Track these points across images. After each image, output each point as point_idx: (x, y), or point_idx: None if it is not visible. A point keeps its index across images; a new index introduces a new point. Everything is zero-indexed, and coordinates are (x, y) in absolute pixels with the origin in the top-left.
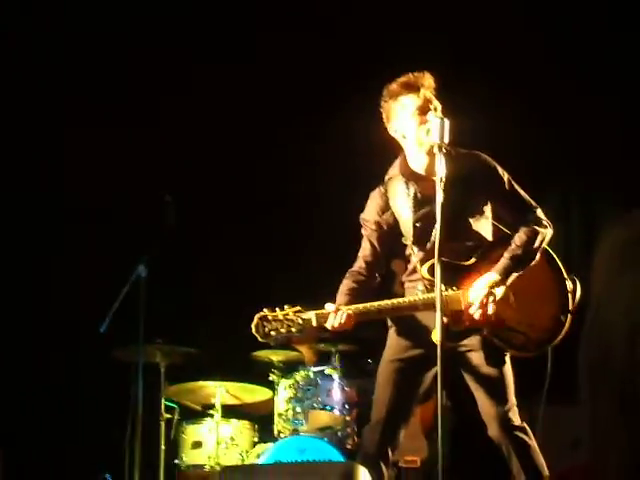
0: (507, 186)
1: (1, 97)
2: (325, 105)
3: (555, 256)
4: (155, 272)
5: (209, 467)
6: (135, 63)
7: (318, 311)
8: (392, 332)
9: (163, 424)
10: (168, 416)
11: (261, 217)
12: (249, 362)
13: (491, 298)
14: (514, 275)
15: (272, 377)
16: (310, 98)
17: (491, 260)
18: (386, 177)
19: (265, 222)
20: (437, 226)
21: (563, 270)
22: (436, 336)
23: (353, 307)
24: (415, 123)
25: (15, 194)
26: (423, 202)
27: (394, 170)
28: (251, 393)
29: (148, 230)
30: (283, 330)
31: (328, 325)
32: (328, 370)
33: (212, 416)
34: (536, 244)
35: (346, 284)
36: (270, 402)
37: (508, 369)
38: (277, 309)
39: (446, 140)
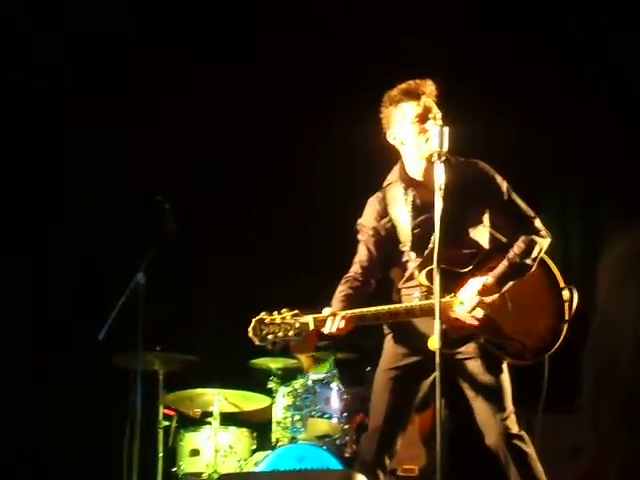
0: (506, 195)
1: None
2: (325, 109)
3: (552, 265)
4: (154, 279)
5: (207, 475)
6: (135, 64)
7: (316, 315)
8: (388, 340)
9: (161, 431)
10: (166, 423)
11: (259, 223)
12: (247, 370)
13: (480, 302)
14: (510, 283)
15: (271, 385)
16: (310, 102)
17: (488, 268)
18: (384, 183)
19: (263, 228)
20: (436, 233)
21: (560, 279)
22: (433, 343)
23: (350, 312)
24: (414, 130)
25: (13, 197)
26: (421, 209)
27: (393, 176)
28: (249, 401)
29: (147, 237)
30: (280, 334)
31: (325, 330)
32: (326, 378)
33: (210, 424)
34: (534, 253)
35: (342, 290)
36: (268, 410)
37: (505, 377)
38: (275, 313)
39: (445, 148)
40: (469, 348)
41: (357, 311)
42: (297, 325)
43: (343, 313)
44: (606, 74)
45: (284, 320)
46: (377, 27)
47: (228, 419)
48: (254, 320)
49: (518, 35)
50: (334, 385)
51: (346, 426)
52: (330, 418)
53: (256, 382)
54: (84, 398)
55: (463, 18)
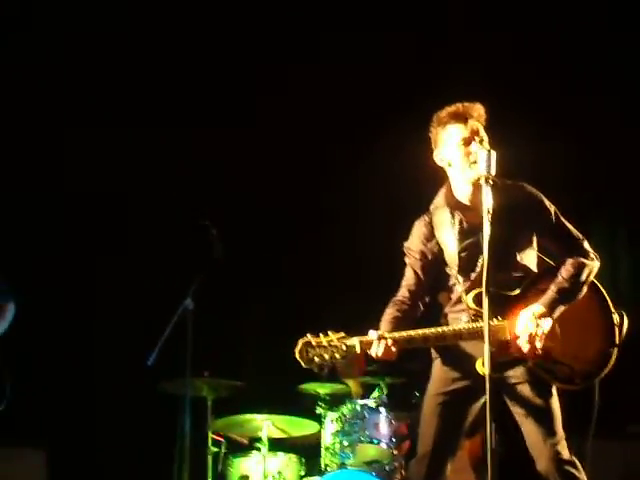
0: (554, 218)
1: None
2: (374, 131)
3: (602, 288)
4: (202, 305)
5: None
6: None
7: (362, 338)
8: (436, 364)
9: (210, 457)
10: (215, 449)
11: (307, 248)
12: (296, 395)
13: (539, 331)
14: (561, 308)
15: (319, 410)
16: (358, 124)
17: (536, 291)
18: (431, 206)
19: (311, 253)
20: (485, 257)
21: (610, 303)
22: (481, 367)
23: (397, 334)
24: (460, 153)
25: (60, 222)
26: (468, 232)
27: (439, 199)
28: (298, 426)
29: (195, 263)
30: (327, 356)
31: (372, 353)
32: (375, 403)
33: (259, 449)
34: (583, 277)
35: (389, 313)
36: (317, 435)
37: (555, 401)
38: (321, 335)
39: (492, 172)
40: (518, 372)
41: (404, 333)
42: (344, 347)
43: (390, 335)
44: None
45: (330, 343)
46: (426, 54)
47: (277, 445)
48: (300, 342)
49: (569, 64)
50: (382, 410)
51: (395, 452)
52: (379, 443)
53: (304, 408)
54: (133, 425)
55: (515, 45)
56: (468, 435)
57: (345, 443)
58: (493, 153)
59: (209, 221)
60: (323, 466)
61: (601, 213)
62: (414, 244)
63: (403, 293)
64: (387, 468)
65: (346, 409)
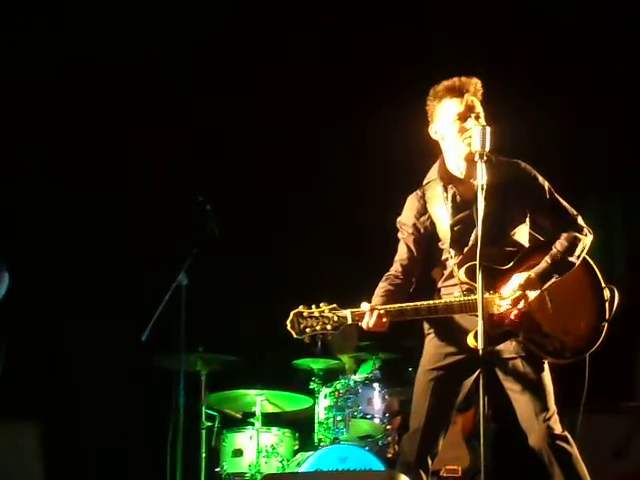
0: (548, 195)
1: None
2: (370, 104)
3: (593, 264)
4: (196, 280)
5: (250, 475)
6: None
7: (354, 309)
8: (429, 340)
9: (204, 432)
10: (209, 424)
11: (300, 223)
12: (290, 371)
13: (524, 297)
14: (552, 279)
15: (313, 385)
16: (352, 98)
17: (528, 265)
18: (424, 181)
19: (304, 228)
20: (479, 233)
21: (600, 278)
22: (472, 340)
23: (389, 306)
24: (455, 128)
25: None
26: (461, 206)
27: (432, 174)
28: (291, 401)
29: (189, 238)
30: (318, 327)
31: (364, 324)
32: (368, 379)
33: (253, 424)
34: (577, 251)
35: (382, 286)
36: (310, 410)
37: (547, 377)
38: (313, 306)
39: (487, 148)
40: (510, 347)
41: (396, 306)
42: (335, 319)
43: (382, 307)
44: None
45: (322, 314)
46: (419, 28)
47: (270, 420)
48: (292, 313)
49: (567, 37)
50: (376, 386)
51: (388, 427)
52: (372, 419)
53: (298, 383)
54: (127, 399)
55: (507, 15)
56: (461, 410)
57: (338, 418)
58: (488, 129)
59: (203, 197)
60: (317, 441)
61: (595, 188)
62: (407, 218)
63: (396, 268)
64: (380, 443)
65: (340, 384)
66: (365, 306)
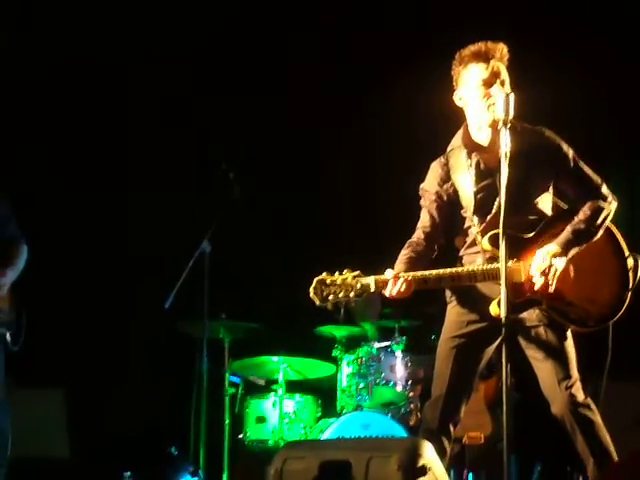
0: (572, 162)
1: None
2: (389, 73)
3: (617, 233)
4: (219, 247)
5: (273, 442)
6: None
7: (377, 276)
8: (451, 308)
9: (227, 399)
10: (232, 391)
11: (324, 190)
12: (313, 337)
13: (553, 269)
14: (575, 249)
15: (335, 352)
16: (374, 66)
17: (551, 234)
18: (448, 148)
19: (328, 195)
20: (502, 200)
21: (625, 247)
22: (495, 309)
23: (412, 274)
24: (480, 94)
25: (75, 167)
26: (485, 173)
27: (456, 141)
28: (314, 368)
29: (212, 206)
30: (341, 294)
31: (387, 292)
32: (391, 346)
33: (276, 391)
34: (599, 220)
35: (405, 254)
36: (333, 376)
37: (570, 345)
38: (336, 273)
39: (511, 115)
40: (532, 315)
41: (419, 273)
42: (358, 286)
43: (405, 275)
44: None
45: (345, 281)
46: None
47: (293, 387)
48: (315, 280)
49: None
50: (398, 353)
51: (411, 394)
52: (394, 386)
53: (321, 350)
54: (151, 367)
55: None
56: (483, 377)
57: (361, 385)
58: (512, 96)
59: (226, 164)
60: (339, 408)
61: (620, 155)
62: (430, 186)
63: (418, 235)
64: (403, 410)
65: (362, 351)
66: (389, 273)
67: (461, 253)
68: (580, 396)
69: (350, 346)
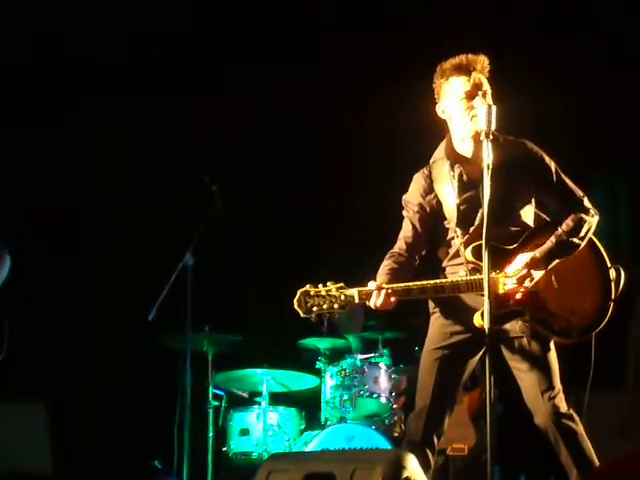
0: (554, 175)
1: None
2: (372, 84)
3: (599, 244)
4: (202, 260)
5: (257, 454)
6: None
7: (361, 288)
8: (434, 319)
9: (211, 411)
10: (216, 404)
11: (306, 202)
12: (296, 350)
13: (530, 276)
14: (556, 260)
15: (319, 364)
16: (358, 76)
17: (534, 245)
18: (431, 160)
19: (310, 207)
20: (485, 212)
21: (606, 258)
22: (479, 319)
23: (395, 285)
24: (462, 107)
25: (56, 177)
26: (468, 185)
27: (439, 153)
28: (298, 380)
29: (195, 218)
30: (325, 306)
31: (371, 303)
32: (375, 358)
33: (259, 403)
34: (582, 232)
35: (387, 264)
36: (316, 388)
37: (553, 356)
38: (320, 285)
39: (493, 127)
40: (516, 326)
41: (403, 285)
42: (342, 298)
43: (389, 286)
44: None
45: (329, 292)
46: (426, 8)
47: (277, 399)
48: (299, 292)
49: (573, 16)
50: (382, 365)
51: (394, 405)
52: (378, 398)
53: (305, 362)
54: (134, 380)
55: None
56: (467, 389)
57: (345, 397)
58: (494, 108)
59: (209, 177)
60: (323, 420)
61: (602, 168)
62: (413, 197)
63: (400, 245)
64: (387, 422)
65: (346, 363)
66: (372, 285)
67: (444, 264)
68: (563, 407)
69: (334, 358)
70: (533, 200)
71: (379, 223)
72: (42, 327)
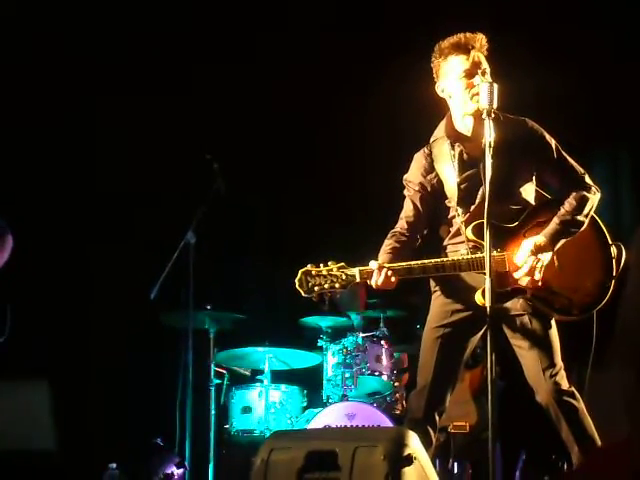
0: (555, 153)
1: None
2: (372, 64)
3: (600, 222)
4: (204, 238)
5: (259, 432)
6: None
7: (362, 267)
8: (435, 298)
9: (213, 389)
10: (218, 381)
11: (307, 180)
12: (298, 328)
13: (539, 264)
14: (562, 240)
15: (321, 343)
16: (357, 56)
17: (535, 224)
18: (431, 139)
19: (312, 186)
20: (486, 190)
21: (608, 236)
22: (480, 298)
23: (396, 265)
24: (462, 85)
25: (56, 158)
26: (468, 164)
27: (439, 131)
28: (300, 359)
29: (197, 197)
30: (327, 286)
31: (372, 283)
32: (376, 336)
33: (261, 381)
34: (585, 210)
35: (388, 244)
36: (318, 366)
37: (554, 333)
38: (321, 265)
39: (494, 105)
40: (517, 304)
41: (404, 264)
42: (343, 277)
43: (390, 265)
44: None
45: (330, 272)
46: None
47: (279, 377)
48: (300, 272)
49: None
50: (384, 343)
51: (396, 383)
52: (380, 375)
53: (307, 340)
54: (136, 358)
55: None
56: (468, 367)
57: (347, 375)
58: (495, 86)
59: (211, 155)
60: (325, 398)
61: (603, 145)
62: (413, 176)
63: (401, 225)
64: (388, 399)
65: (348, 341)
66: (373, 264)
67: (445, 243)
68: (564, 384)
69: (335, 336)
70: (534, 178)
71: (380, 202)
72: (44, 305)
